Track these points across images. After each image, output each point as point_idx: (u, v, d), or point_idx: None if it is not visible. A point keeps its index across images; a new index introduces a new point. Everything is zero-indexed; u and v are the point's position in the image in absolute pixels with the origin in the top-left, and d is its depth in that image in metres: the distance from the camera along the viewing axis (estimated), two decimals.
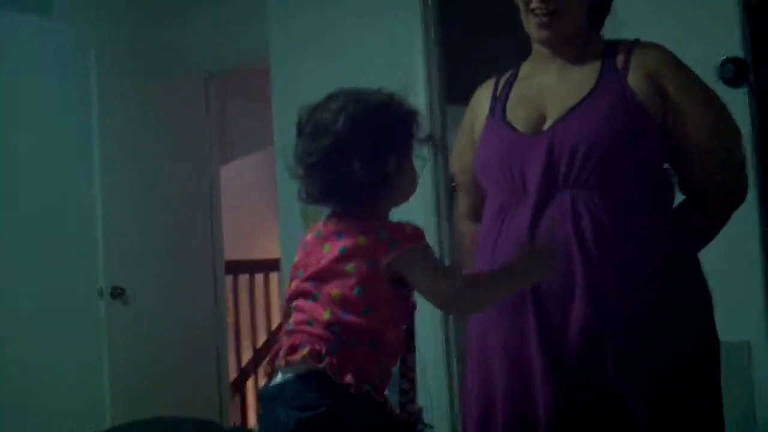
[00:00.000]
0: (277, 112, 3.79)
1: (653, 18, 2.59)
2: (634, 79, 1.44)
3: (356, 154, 1.17)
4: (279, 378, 1.18)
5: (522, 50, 1.61)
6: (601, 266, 1.36)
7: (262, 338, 5.12)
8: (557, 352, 1.36)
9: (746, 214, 2.44)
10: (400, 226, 1.20)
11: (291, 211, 3.70)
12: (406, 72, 3.34)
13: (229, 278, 4.73)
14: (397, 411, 1.21)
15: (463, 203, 1.74)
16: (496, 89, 1.60)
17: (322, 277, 1.19)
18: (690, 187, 1.52)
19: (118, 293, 3.86)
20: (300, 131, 1.25)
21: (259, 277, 5.12)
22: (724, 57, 2.52)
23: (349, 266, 1.17)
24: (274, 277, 4.81)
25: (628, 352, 1.35)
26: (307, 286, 1.21)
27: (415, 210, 3.20)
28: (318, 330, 1.17)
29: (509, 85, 1.58)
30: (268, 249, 5.19)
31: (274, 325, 5.04)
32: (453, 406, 3.18)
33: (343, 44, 3.58)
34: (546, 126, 1.46)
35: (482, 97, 1.63)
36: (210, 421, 2.60)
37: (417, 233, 1.21)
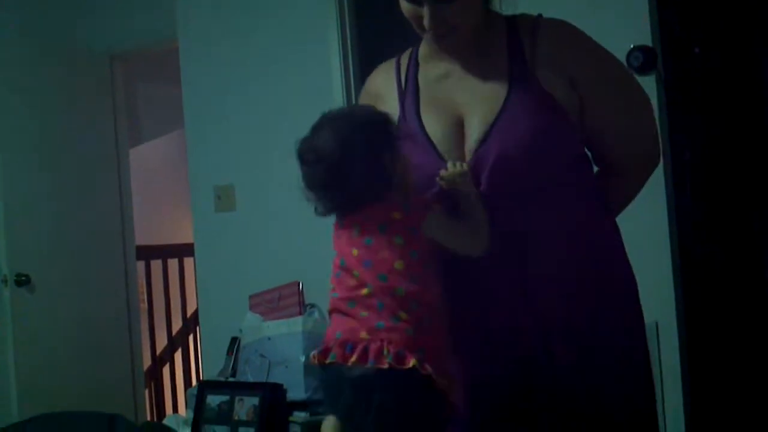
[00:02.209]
0: (187, 93, 3.70)
1: (562, 6, 2.62)
2: (544, 75, 1.39)
3: (363, 161, 1.30)
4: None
5: None
6: (537, 264, 1.37)
7: (177, 325, 5.02)
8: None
9: (655, 196, 2.54)
10: (418, 197, 1.33)
11: (203, 193, 3.63)
12: (321, 49, 3.31)
13: (141, 264, 4.62)
14: None
15: None
16: (398, 76, 1.53)
17: (375, 257, 1.27)
18: (605, 162, 1.53)
19: (23, 281, 3.72)
20: (304, 161, 1.38)
21: (173, 263, 5.01)
22: (633, 45, 2.57)
23: (397, 239, 1.27)
24: (188, 262, 4.71)
25: (565, 343, 1.37)
26: (384, 287, 1.26)
27: None
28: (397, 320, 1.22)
29: (413, 74, 1.51)
30: (182, 234, 5.09)
31: (190, 312, 4.95)
32: None
33: (254, 24, 3.50)
34: (468, 149, 1.39)
35: (385, 84, 1.55)
36: (118, 416, 2.53)
37: (424, 199, 1.33)
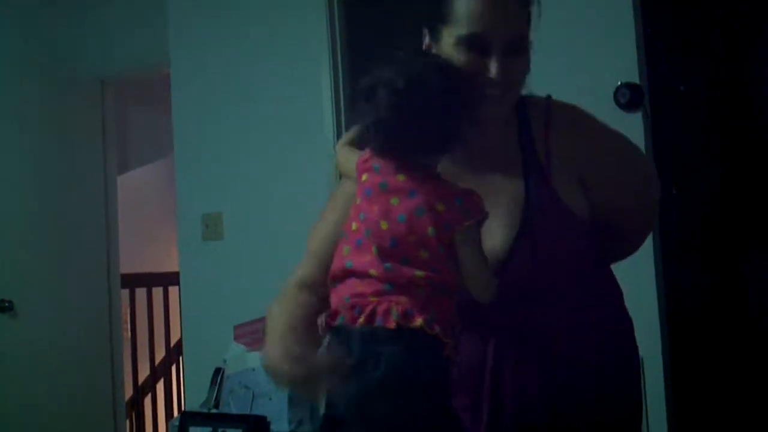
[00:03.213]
0: (177, 120, 3.71)
1: (551, 43, 2.65)
2: (560, 184, 1.33)
3: (450, 108, 1.22)
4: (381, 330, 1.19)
5: None
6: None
7: (160, 355, 4.97)
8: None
9: None
10: (472, 195, 1.24)
11: (190, 222, 3.61)
12: (311, 78, 3.33)
13: (125, 292, 4.58)
14: None
15: (308, 271, 1.42)
16: None
17: (404, 239, 1.21)
18: (607, 232, 1.50)
19: (5, 307, 3.69)
20: (391, 87, 1.21)
21: (158, 291, 4.98)
22: (620, 83, 2.61)
23: (430, 230, 1.20)
24: (173, 291, 4.68)
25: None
26: (389, 249, 1.21)
27: None
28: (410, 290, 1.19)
29: None
30: (167, 262, 5.06)
31: (173, 341, 4.90)
32: None
33: (245, 51, 3.52)
34: (492, 254, 1.30)
35: None
36: None
37: (482, 203, 1.23)
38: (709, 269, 2.60)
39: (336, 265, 1.26)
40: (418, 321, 1.16)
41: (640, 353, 2.51)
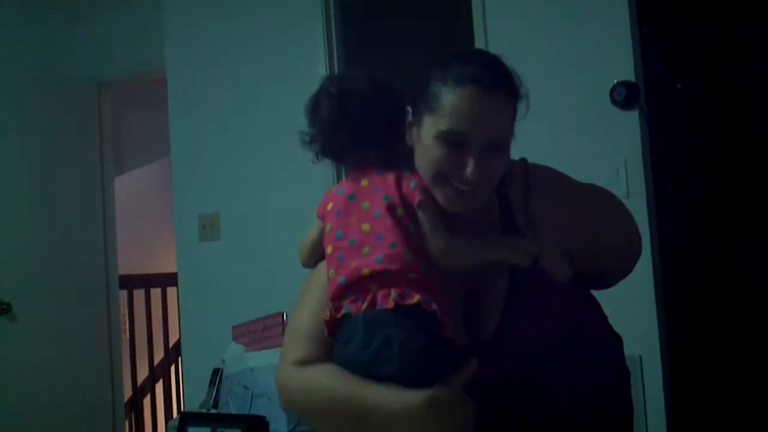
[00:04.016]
0: (174, 121, 3.71)
1: (548, 42, 2.66)
2: (542, 252, 1.31)
3: (388, 107, 1.36)
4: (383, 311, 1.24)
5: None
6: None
7: (159, 356, 4.97)
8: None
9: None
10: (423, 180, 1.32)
11: (187, 223, 3.62)
12: (307, 80, 3.32)
13: (123, 293, 4.58)
14: None
15: (306, 351, 1.33)
16: None
17: (387, 230, 1.28)
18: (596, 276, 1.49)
19: (4, 309, 3.68)
20: (328, 94, 1.42)
21: (156, 292, 4.98)
22: (617, 81, 2.61)
23: (399, 210, 1.29)
24: (171, 292, 4.68)
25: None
26: (378, 243, 1.28)
27: None
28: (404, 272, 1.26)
29: None
30: (165, 263, 5.06)
31: (172, 342, 4.90)
32: None
33: (241, 53, 3.53)
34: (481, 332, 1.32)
35: None
36: None
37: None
38: (707, 268, 2.60)
39: (332, 290, 1.29)
40: (415, 298, 1.21)
41: (639, 352, 2.53)
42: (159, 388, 4.98)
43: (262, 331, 3.24)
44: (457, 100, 1.22)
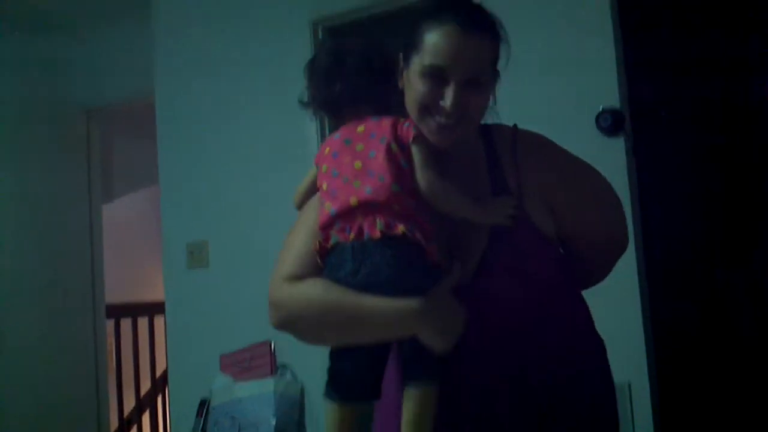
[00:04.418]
0: (162, 149, 3.71)
1: (534, 69, 2.68)
2: (528, 205, 1.41)
3: (382, 63, 1.46)
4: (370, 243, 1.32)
5: None
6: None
7: (146, 386, 4.92)
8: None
9: (625, 257, 2.56)
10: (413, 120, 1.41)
11: (176, 251, 3.60)
12: (295, 106, 3.33)
13: (110, 322, 4.55)
14: None
15: (295, 268, 1.42)
16: None
17: (378, 166, 1.35)
18: (575, 253, 1.54)
19: None
20: (324, 50, 1.54)
21: (143, 321, 4.94)
22: (602, 108, 2.63)
23: (393, 146, 1.36)
24: (159, 320, 4.64)
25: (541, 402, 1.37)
26: (368, 178, 1.35)
27: None
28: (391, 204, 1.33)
29: None
30: (153, 291, 5.03)
31: (159, 372, 4.85)
32: None
33: (229, 80, 3.54)
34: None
35: None
36: None
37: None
38: (695, 294, 2.61)
39: (322, 219, 1.37)
40: (400, 228, 1.29)
41: (628, 379, 2.52)
42: (146, 418, 4.92)
43: (250, 361, 3.22)
44: (438, 38, 1.34)
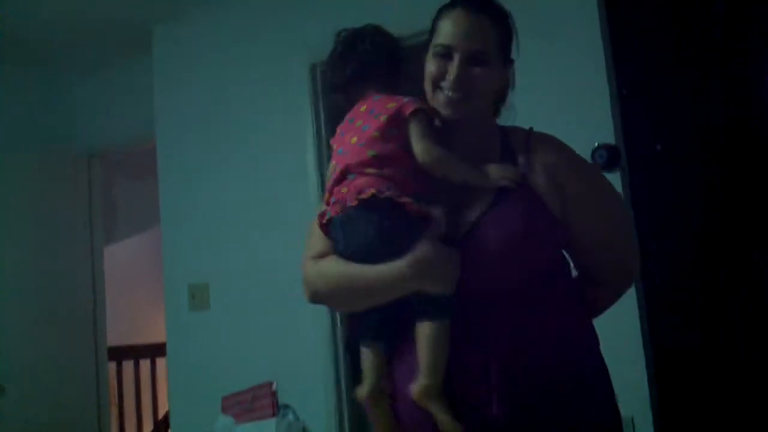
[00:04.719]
0: (164, 191, 3.73)
1: (528, 105, 2.71)
2: (536, 181, 1.47)
3: (387, 48, 1.59)
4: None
5: None
6: (512, 358, 1.39)
7: (147, 428, 4.90)
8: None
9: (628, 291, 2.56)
10: (418, 99, 1.52)
11: (177, 293, 3.61)
12: (295, 148, 3.37)
13: (112, 365, 4.54)
14: None
15: (318, 248, 1.55)
16: None
17: (368, 139, 1.46)
18: (584, 270, 1.58)
19: None
20: (340, 36, 1.61)
21: (145, 363, 4.93)
22: (597, 144, 2.65)
23: (383, 117, 1.47)
24: (161, 362, 4.63)
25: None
26: (360, 150, 1.45)
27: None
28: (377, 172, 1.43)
29: None
30: (155, 333, 5.03)
31: (161, 414, 4.83)
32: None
33: (229, 122, 3.58)
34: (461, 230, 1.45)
35: None
36: None
37: (423, 102, 1.51)
38: (696, 328, 2.60)
39: (327, 187, 1.51)
40: (370, 191, 1.39)
41: (631, 413, 2.51)
42: None
43: (251, 402, 3.20)
44: (446, 21, 1.51)
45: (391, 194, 1.38)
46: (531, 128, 1.56)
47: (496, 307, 1.40)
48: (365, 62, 1.56)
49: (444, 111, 1.49)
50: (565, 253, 1.56)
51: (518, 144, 1.52)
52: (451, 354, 1.38)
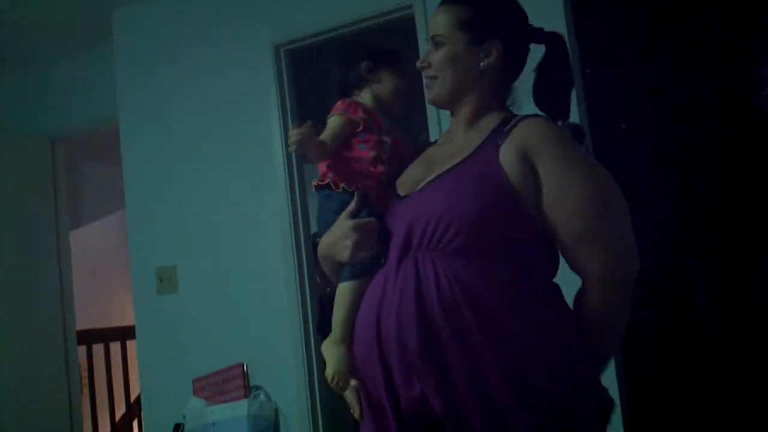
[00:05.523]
0: (128, 174, 3.70)
1: None
2: (505, 154, 1.44)
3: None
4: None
5: None
6: (443, 328, 1.38)
7: (120, 411, 4.88)
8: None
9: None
10: (352, 103, 1.69)
11: (145, 276, 3.59)
12: (261, 129, 3.35)
13: (82, 348, 4.51)
14: None
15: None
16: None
17: None
18: (576, 271, 1.49)
19: None
20: (344, 57, 1.77)
21: (116, 346, 4.90)
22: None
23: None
24: (132, 345, 4.61)
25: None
26: None
27: (275, 263, 3.21)
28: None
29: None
30: (124, 316, 5.00)
31: (134, 396, 4.82)
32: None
33: (194, 103, 3.54)
34: (416, 189, 1.52)
35: None
36: None
37: (349, 107, 1.67)
38: (658, 300, 2.64)
39: None
40: (327, 179, 1.61)
41: None
42: None
43: (222, 383, 3.21)
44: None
45: (330, 182, 1.60)
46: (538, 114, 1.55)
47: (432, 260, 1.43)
48: (338, 72, 1.76)
49: (427, 96, 1.63)
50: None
51: (512, 124, 1.50)
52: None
